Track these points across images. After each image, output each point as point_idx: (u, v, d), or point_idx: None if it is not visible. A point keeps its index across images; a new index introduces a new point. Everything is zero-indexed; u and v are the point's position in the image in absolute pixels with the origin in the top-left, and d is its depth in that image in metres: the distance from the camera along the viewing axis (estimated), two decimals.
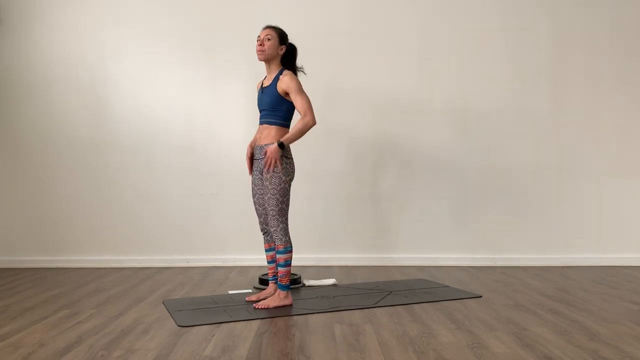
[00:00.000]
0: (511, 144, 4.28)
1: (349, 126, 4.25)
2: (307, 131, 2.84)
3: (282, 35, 2.97)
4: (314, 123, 2.83)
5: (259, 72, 4.16)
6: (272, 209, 2.85)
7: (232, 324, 2.52)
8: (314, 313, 2.72)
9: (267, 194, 2.85)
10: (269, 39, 2.91)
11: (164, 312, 2.75)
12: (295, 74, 3.02)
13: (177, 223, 4.25)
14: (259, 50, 2.92)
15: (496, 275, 3.80)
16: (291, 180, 2.90)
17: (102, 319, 2.61)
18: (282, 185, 2.84)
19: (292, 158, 2.92)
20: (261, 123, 2.96)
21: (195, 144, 4.25)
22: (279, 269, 2.88)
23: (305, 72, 3.12)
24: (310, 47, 4.23)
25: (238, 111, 4.26)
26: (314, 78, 4.18)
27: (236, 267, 4.19)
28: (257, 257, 4.24)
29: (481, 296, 3.09)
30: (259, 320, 2.58)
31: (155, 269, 4.11)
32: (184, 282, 3.59)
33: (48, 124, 4.23)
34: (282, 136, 2.87)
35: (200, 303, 2.92)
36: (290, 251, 2.88)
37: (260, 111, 2.99)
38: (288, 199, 2.89)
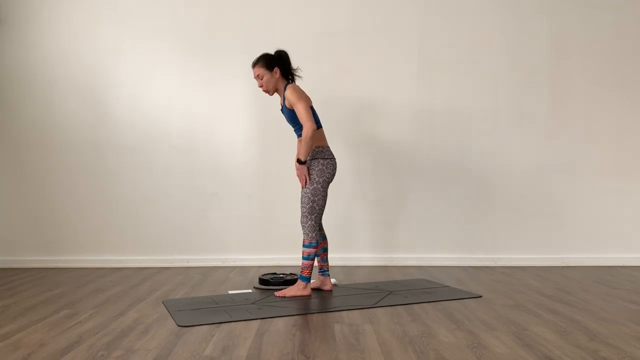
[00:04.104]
0: (511, 144, 4.28)
1: (349, 127, 4.24)
2: (311, 137, 2.99)
3: (267, 63, 3.11)
4: (313, 128, 2.99)
5: None
6: (303, 207, 3.08)
7: (232, 324, 2.52)
8: (314, 313, 2.72)
9: (303, 192, 3.10)
10: (261, 77, 3.13)
11: (164, 312, 2.75)
12: (294, 77, 3.22)
13: (177, 223, 4.25)
14: (263, 91, 3.18)
15: (496, 275, 3.80)
16: (326, 181, 3.10)
17: (102, 319, 2.61)
18: (314, 186, 3.06)
19: (330, 159, 3.12)
20: (297, 137, 3.22)
21: (195, 144, 4.25)
22: (302, 261, 3.09)
23: (301, 74, 3.28)
24: (310, 47, 4.23)
25: (238, 111, 4.26)
26: (314, 78, 4.19)
27: (236, 267, 4.19)
28: (257, 257, 4.24)
29: (481, 296, 3.09)
30: (259, 320, 2.58)
31: (155, 269, 4.11)
32: (184, 282, 3.59)
33: (48, 124, 4.23)
34: (312, 144, 3.07)
35: (200, 303, 2.92)
36: (314, 247, 3.09)
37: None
38: (320, 199, 3.09)
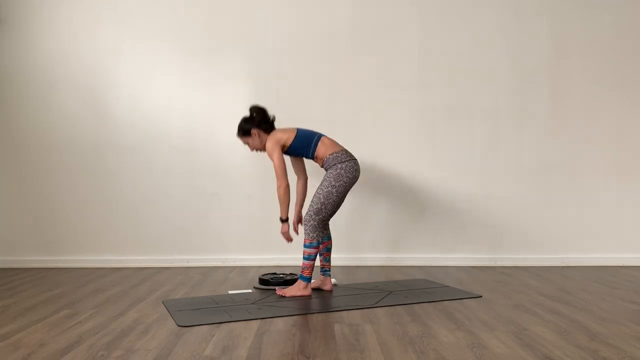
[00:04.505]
0: (511, 144, 4.28)
1: (348, 127, 4.24)
2: (283, 195, 3.08)
3: (244, 131, 3.24)
4: (284, 185, 3.07)
5: (259, 73, 4.18)
6: (312, 205, 3.07)
7: (232, 324, 2.52)
8: (314, 313, 2.72)
9: (317, 190, 3.08)
10: (247, 144, 3.27)
11: (164, 312, 2.75)
12: (272, 125, 3.26)
13: (177, 223, 4.25)
14: (257, 152, 3.31)
15: (496, 275, 3.80)
16: (343, 185, 3.06)
17: (102, 319, 2.61)
18: (329, 189, 3.05)
19: (347, 161, 3.08)
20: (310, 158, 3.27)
21: (195, 144, 4.25)
22: (302, 261, 3.07)
23: (276, 120, 3.31)
24: (310, 47, 4.23)
25: (238, 111, 4.23)
26: (314, 79, 4.19)
27: (236, 267, 4.19)
28: (257, 257, 4.24)
29: (481, 296, 3.09)
30: (259, 320, 2.58)
31: (155, 269, 4.11)
32: (184, 282, 3.59)
33: (48, 124, 4.23)
34: (287, 200, 3.13)
35: (200, 303, 2.92)
36: (315, 247, 3.06)
37: None
38: (331, 203, 3.07)
